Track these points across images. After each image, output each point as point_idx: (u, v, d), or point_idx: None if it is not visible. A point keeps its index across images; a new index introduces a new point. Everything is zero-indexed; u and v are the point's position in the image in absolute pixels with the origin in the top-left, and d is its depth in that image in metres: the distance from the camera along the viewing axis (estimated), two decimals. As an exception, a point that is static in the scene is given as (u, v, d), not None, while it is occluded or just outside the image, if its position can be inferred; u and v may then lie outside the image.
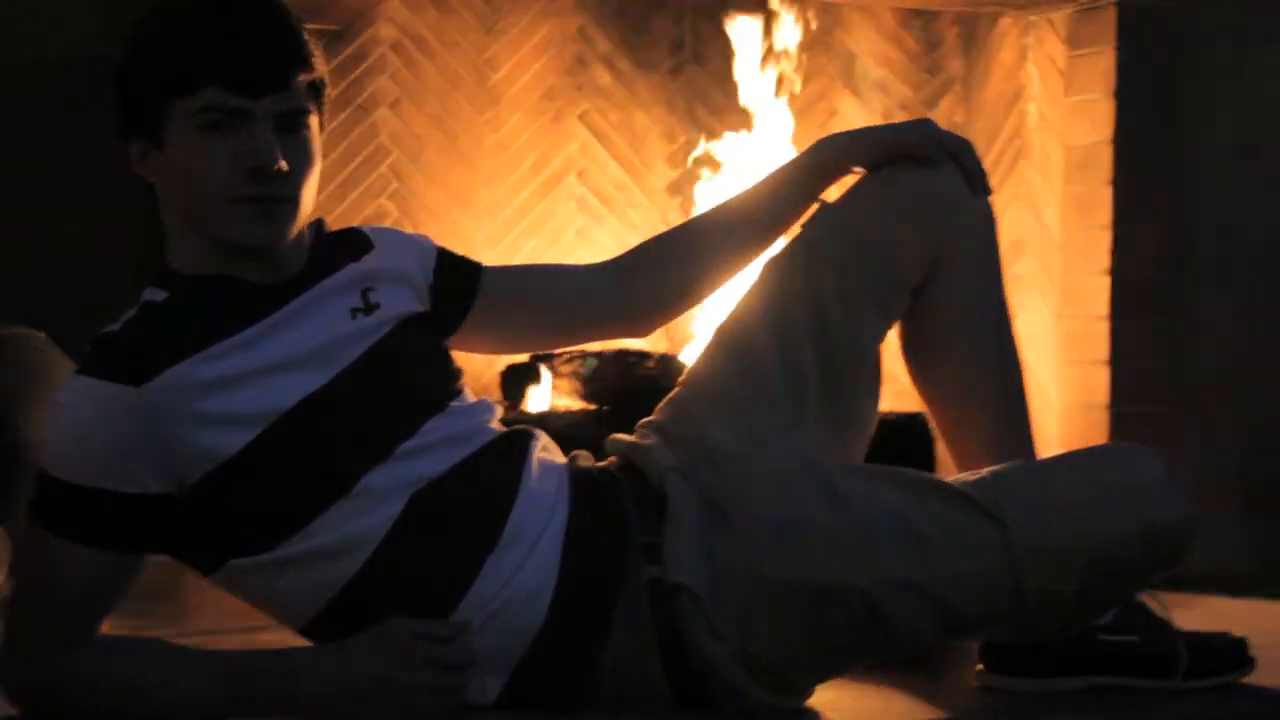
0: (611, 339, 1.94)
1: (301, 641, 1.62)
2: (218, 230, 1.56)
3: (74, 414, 1.52)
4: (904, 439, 2.43)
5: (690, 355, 2.89)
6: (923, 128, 1.81)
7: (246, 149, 1.53)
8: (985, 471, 1.64)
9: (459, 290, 1.77)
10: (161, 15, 1.57)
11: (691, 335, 3.01)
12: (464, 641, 1.52)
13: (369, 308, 1.64)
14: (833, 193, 1.85)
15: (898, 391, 2.00)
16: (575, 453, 1.74)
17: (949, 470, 1.88)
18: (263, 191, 1.54)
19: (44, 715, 1.54)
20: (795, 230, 1.84)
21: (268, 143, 1.53)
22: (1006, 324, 1.85)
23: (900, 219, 1.78)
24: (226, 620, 2.05)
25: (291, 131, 1.56)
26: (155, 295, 1.60)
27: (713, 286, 1.87)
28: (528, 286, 1.85)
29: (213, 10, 1.56)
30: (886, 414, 2.56)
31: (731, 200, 1.89)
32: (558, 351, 2.66)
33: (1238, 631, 1.88)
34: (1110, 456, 1.73)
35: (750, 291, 1.81)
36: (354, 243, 1.71)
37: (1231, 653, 1.86)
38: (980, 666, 1.86)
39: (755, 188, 1.88)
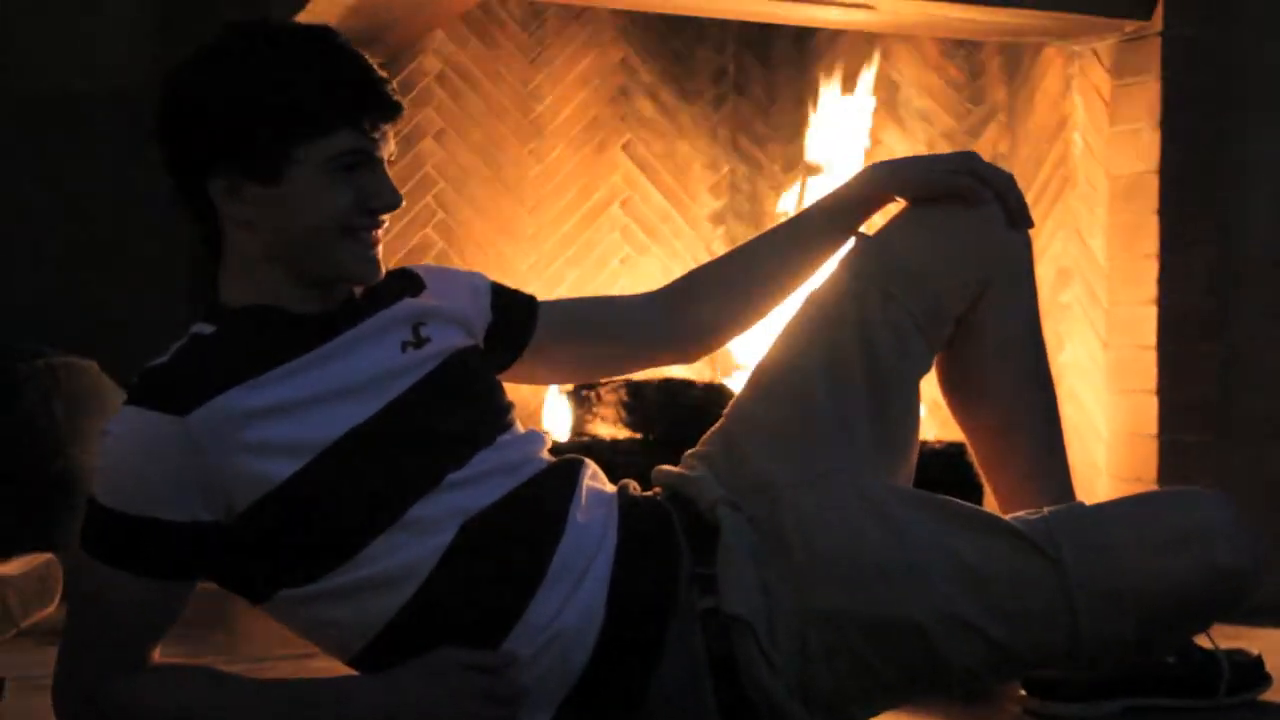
0: (660, 367, 1.94)
1: (351, 672, 1.61)
2: (324, 261, 1.58)
3: (121, 443, 1.52)
4: (952, 469, 2.42)
5: (735, 383, 2.89)
6: (968, 164, 1.80)
7: (371, 190, 1.57)
8: (1045, 510, 1.62)
9: (516, 326, 1.79)
10: (271, 52, 1.56)
11: (736, 363, 3.01)
12: (513, 674, 1.51)
13: (419, 341, 1.64)
14: (875, 221, 1.85)
15: (944, 420, 2.00)
16: (624, 482, 1.73)
17: (991, 502, 1.87)
18: (375, 225, 1.59)
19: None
20: (836, 262, 1.84)
21: (392, 185, 1.59)
22: (1044, 352, 1.85)
23: (946, 251, 1.78)
24: (277, 648, 2.06)
25: (385, 169, 1.61)
26: (203, 329, 1.60)
27: (758, 315, 1.88)
28: (579, 318, 1.86)
29: (331, 51, 1.57)
30: (934, 443, 2.57)
31: (775, 229, 1.90)
32: (602, 381, 2.67)
33: None
34: (1175, 499, 1.70)
35: (795, 322, 1.80)
36: (406, 281, 1.72)
37: (1256, 670, 1.89)
38: (1022, 692, 1.86)
39: (798, 217, 1.89)
